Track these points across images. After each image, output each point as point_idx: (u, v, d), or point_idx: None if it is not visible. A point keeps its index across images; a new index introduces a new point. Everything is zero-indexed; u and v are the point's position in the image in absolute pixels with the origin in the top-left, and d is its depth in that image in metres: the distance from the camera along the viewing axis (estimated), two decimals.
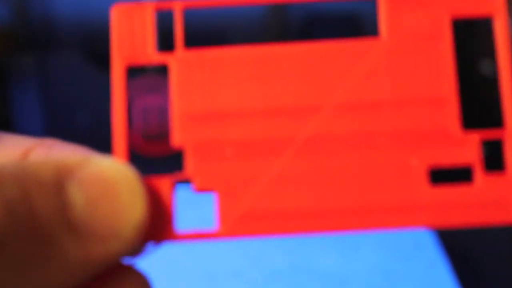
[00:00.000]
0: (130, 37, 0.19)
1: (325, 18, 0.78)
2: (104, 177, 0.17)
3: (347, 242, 0.53)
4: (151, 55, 0.19)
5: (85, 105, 0.82)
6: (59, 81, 0.82)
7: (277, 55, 0.19)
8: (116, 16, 0.19)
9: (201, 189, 0.18)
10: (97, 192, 0.17)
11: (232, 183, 0.18)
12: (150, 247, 0.19)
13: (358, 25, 0.78)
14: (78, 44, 0.83)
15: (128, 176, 0.17)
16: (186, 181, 0.19)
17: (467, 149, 0.18)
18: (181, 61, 0.19)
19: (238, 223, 0.18)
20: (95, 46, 0.83)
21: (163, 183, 0.18)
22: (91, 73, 0.82)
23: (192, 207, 0.37)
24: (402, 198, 0.18)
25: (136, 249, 0.18)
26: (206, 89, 0.19)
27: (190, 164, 0.19)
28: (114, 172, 0.17)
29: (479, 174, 0.18)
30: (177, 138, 0.19)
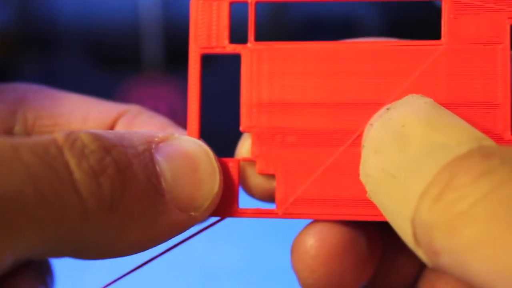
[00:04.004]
0: (207, 27, 0.20)
1: (323, 22, 0.79)
2: (187, 152, 0.19)
3: None
4: (225, 45, 0.20)
5: None
6: (61, 82, 0.84)
7: (343, 52, 0.20)
8: (194, 7, 0.20)
9: (263, 171, 0.20)
10: (181, 165, 0.18)
11: (291, 167, 0.20)
12: (215, 220, 0.20)
13: (354, 28, 0.80)
14: (81, 46, 0.85)
15: (207, 153, 0.19)
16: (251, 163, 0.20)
17: None
18: (253, 52, 0.20)
19: (294, 205, 0.20)
20: (98, 47, 0.85)
21: (230, 163, 0.20)
22: (94, 74, 0.84)
23: None
24: None
25: (205, 219, 0.20)
26: (274, 79, 0.20)
27: (254, 148, 0.20)
28: (195, 148, 0.19)
29: None
30: (245, 123, 0.20)
